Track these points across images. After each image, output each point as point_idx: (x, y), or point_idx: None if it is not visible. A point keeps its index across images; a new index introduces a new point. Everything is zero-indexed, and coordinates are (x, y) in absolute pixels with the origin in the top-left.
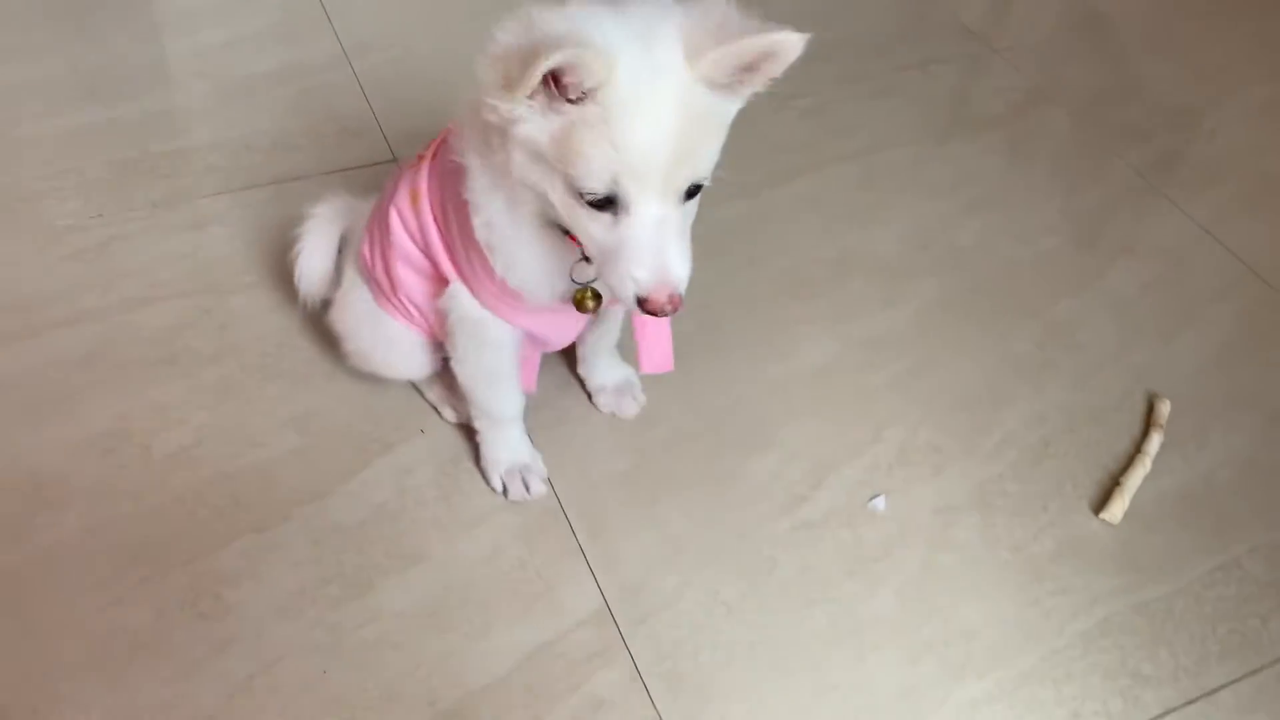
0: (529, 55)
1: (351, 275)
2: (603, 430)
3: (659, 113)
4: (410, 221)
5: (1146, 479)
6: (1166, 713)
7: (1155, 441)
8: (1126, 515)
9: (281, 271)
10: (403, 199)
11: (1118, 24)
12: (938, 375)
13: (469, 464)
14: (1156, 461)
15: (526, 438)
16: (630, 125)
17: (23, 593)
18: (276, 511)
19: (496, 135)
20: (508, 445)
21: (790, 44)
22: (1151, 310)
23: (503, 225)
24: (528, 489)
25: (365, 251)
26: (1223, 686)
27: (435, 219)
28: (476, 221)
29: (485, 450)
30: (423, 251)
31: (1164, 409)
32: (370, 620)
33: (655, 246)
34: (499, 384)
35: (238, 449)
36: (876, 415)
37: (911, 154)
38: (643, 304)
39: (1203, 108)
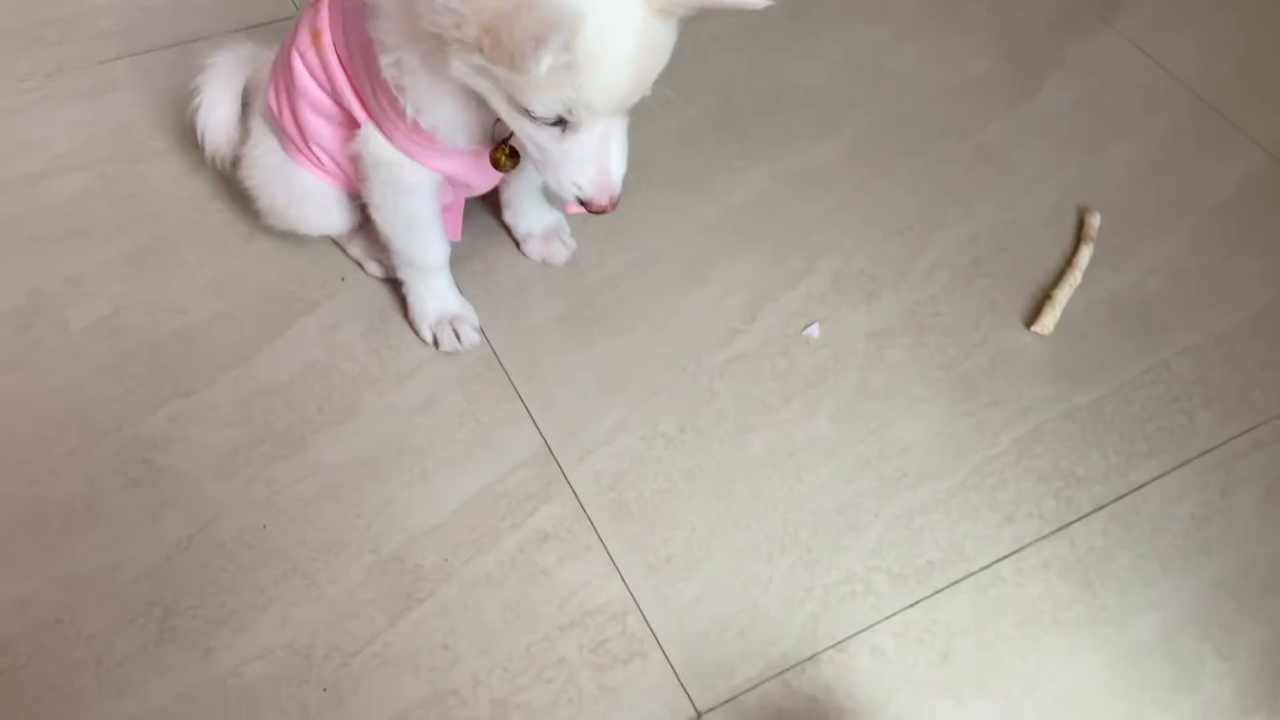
0: (523, 40)
1: (260, 127)
2: (534, 277)
3: (621, 56)
4: (314, 64)
5: (1077, 290)
6: (1097, 509)
7: (1085, 254)
8: (1058, 327)
9: (191, 137)
10: (304, 40)
11: None
12: (871, 204)
13: (398, 318)
14: (1087, 273)
15: (454, 286)
16: (593, 71)
17: None
18: (203, 376)
19: (434, 39)
20: (435, 295)
21: (756, 6)
22: (1082, 126)
23: (414, 67)
24: (459, 338)
25: (271, 101)
26: (1150, 481)
27: (340, 58)
28: (384, 60)
29: (413, 302)
30: (330, 95)
31: (1094, 222)
32: (307, 475)
33: (599, 156)
34: (420, 231)
35: (158, 317)
36: (810, 247)
37: None
38: (584, 204)
39: None
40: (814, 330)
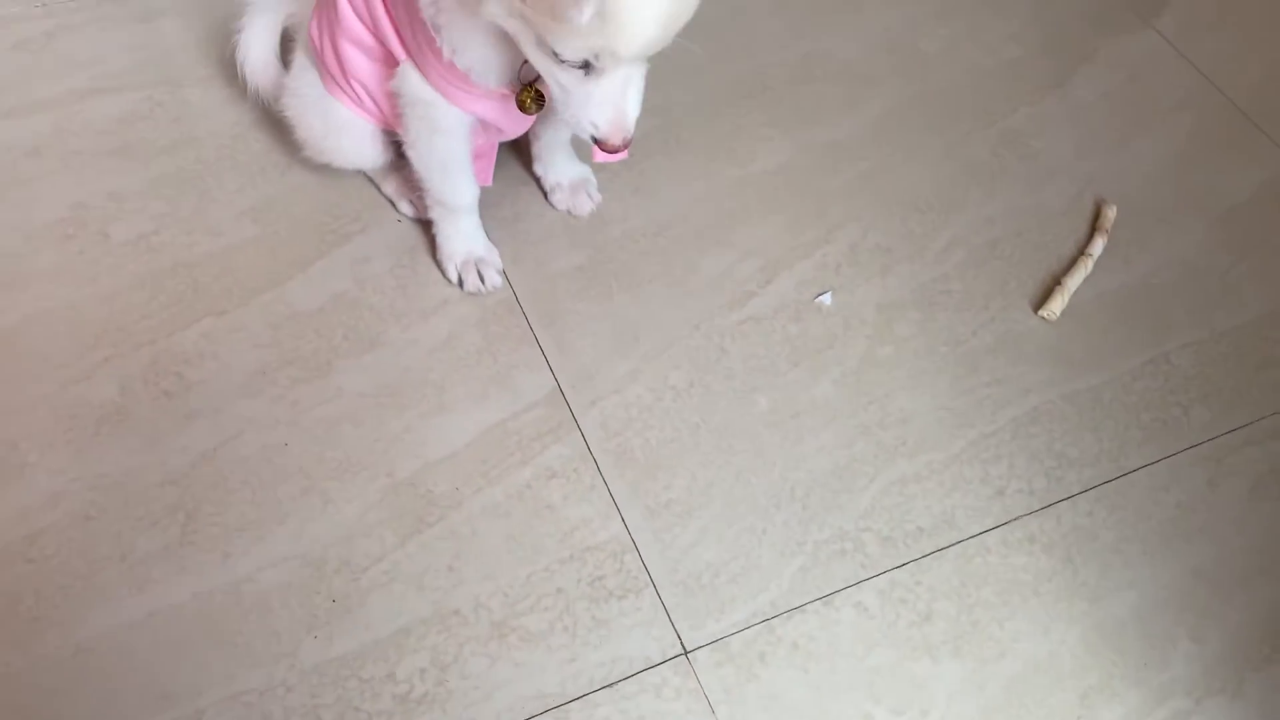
0: None
1: (301, 60)
2: (559, 227)
3: (651, 8)
4: (359, 4)
5: (1087, 279)
6: (1086, 490)
7: (1099, 244)
8: (1065, 313)
9: (235, 67)
10: None
11: None
12: (892, 180)
13: (426, 256)
14: (1099, 263)
15: (482, 230)
16: (623, 20)
17: None
18: (236, 297)
19: None
20: (464, 236)
21: None
22: (1108, 118)
23: (451, 7)
24: (483, 281)
25: (314, 34)
26: (1140, 467)
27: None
28: (424, 0)
29: (441, 242)
30: (371, 32)
31: (1110, 213)
32: (330, 399)
33: (618, 98)
34: (453, 171)
35: (196, 238)
36: (830, 217)
37: None
38: (598, 143)
39: None
40: (826, 298)
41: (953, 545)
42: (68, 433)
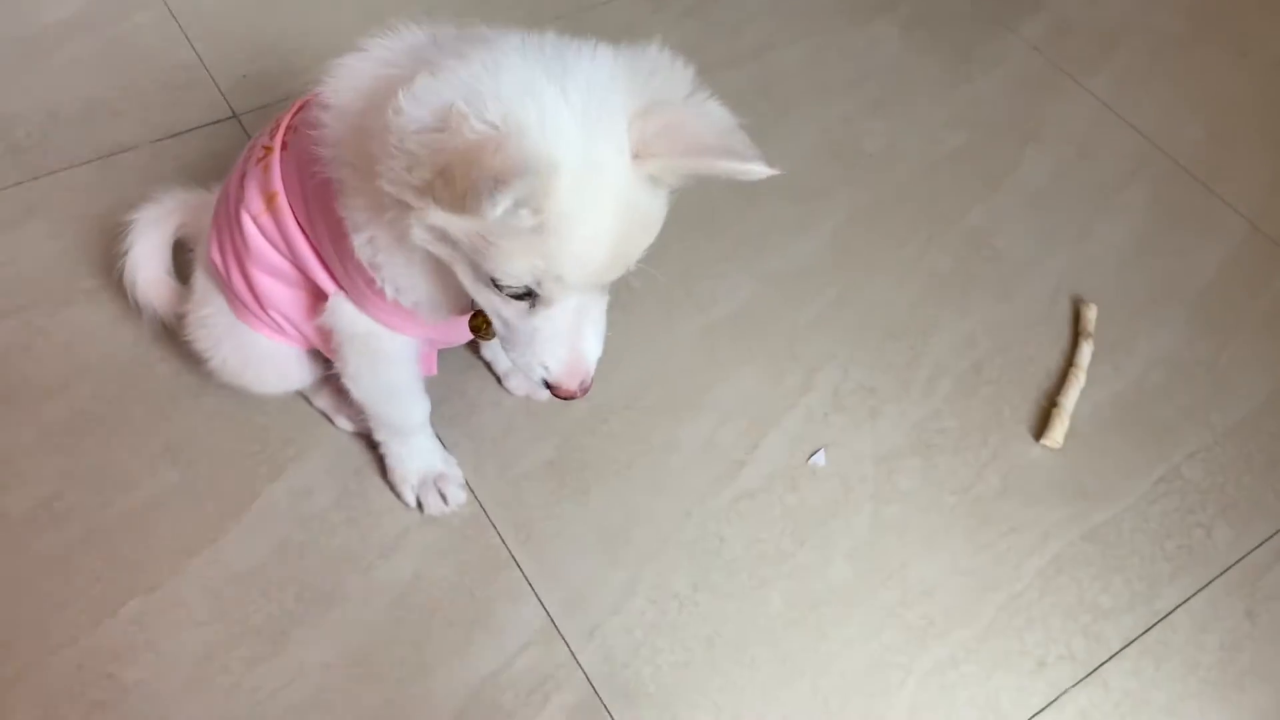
0: (478, 179)
1: (203, 284)
2: (519, 416)
3: (598, 224)
4: (270, 229)
5: (1082, 394)
6: (1127, 645)
7: (1086, 352)
8: (1066, 435)
9: None
10: (255, 203)
11: None
12: (862, 303)
13: (375, 478)
14: (1089, 372)
15: (436, 441)
16: (565, 238)
17: None
18: (165, 565)
19: (393, 203)
20: (417, 453)
21: (755, 174)
22: (1064, 203)
23: (388, 245)
24: (445, 500)
25: (216, 258)
26: (1177, 607)
27: (301, 228)
28: (357, 240)
29: (392, 464)
30: (290, 261)
31: (1091, 315)
32: (292, 679)
33: (571, 335)
34: (401, 396)
35: (107, 495)
36: (805, 357)
37: (803, 51)
38: (551, 388)
39: None
40: (820, 458)
41: None
42: None
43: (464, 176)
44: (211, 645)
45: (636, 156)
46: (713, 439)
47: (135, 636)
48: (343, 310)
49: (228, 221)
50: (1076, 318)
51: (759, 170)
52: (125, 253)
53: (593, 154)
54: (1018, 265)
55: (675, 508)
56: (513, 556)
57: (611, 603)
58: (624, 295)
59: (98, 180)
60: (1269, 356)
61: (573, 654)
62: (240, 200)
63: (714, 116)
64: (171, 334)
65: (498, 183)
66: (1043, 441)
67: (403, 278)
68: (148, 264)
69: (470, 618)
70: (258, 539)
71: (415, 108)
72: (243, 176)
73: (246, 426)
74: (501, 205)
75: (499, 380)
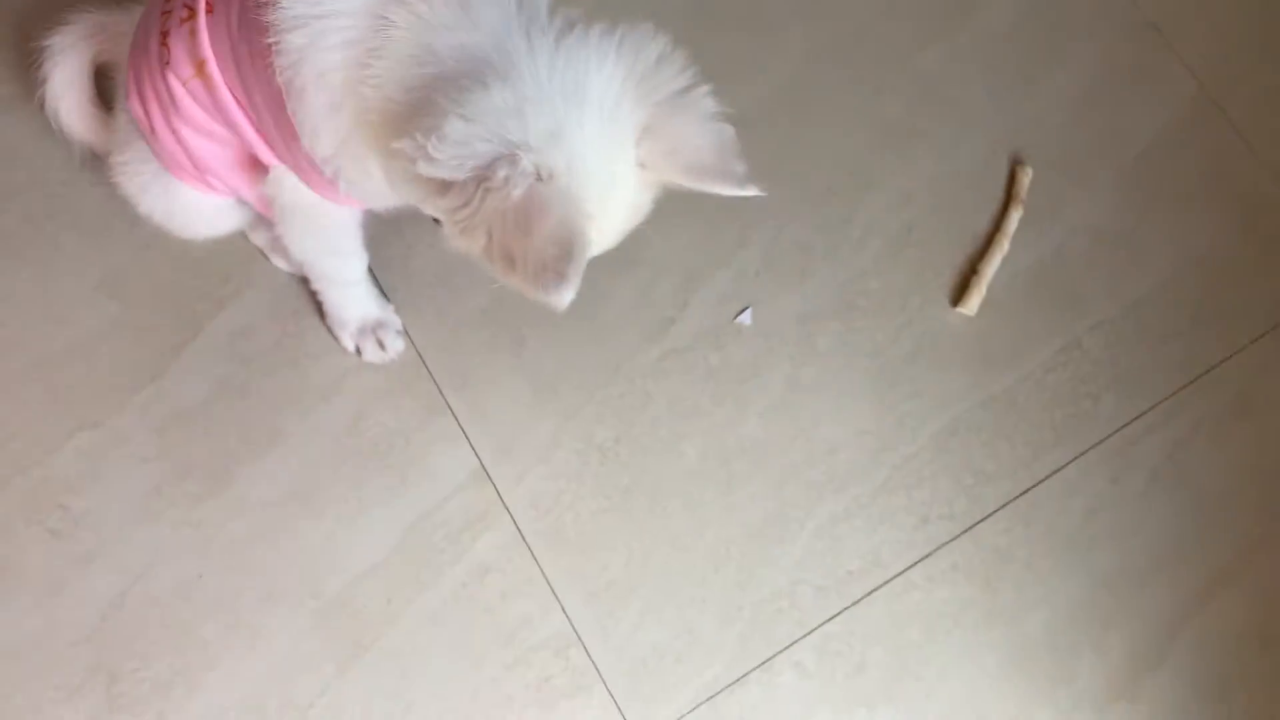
0: (544, 265)
1: (126, 128)
2: (457, 260)
3: (608, 225)
4: (200, 94)
5: (1004, 260)
6: (1001, 506)
7: (1014, 219)
8: (982, 304)
9: None
10: (183, 67)
11: None
12: (807, 154)
13: (314, 319)
14: (1015, 238)
15: (373, 289)
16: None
17: None
18: (109, 400)
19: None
20: (355, 301)
21: (749, 194)
22: (1020, 51)
23: (358, 151)
24: (384, 348)
25: (137, 111)
26: (1052, 474)
27: (236, 99)
28: (308, 143)
29: (330, 310)
30: (225, 125)
31: (1025, 180)
32: (236, 514)
33: None
34: (344, 253)
35: (48, 329)
36: (744, 211)
37: None
38: None
39: None
40: (746, 317)
41: (881, 586)
42: None
43: (524, 257)
44: (158, 479)
45: (642, 166)
46: (647, 294)
47: (83, 468)
48: (284, 183)
49: (150, 77)
50: (1011, 181)
51: (750, 193)
52: (43, 82)
53: (610, 174)
54: (964, 118)
55: (605, 361)
56: (447, 402)
57: (538, 451)
58: None
59: None
60: (1183, 229)
61: (501, 498)
62: (166, 62)
63: (712, 132)
64: (101, 161)
65: (559, 275)
66: (958, 309)
67: (360, 183)
68: (68, 93)
69: (406, 460)
70: (197, 377)
71: (448, 157)
72: (165, 35)
73: (183, 260)
74: (568, 297)
75: (436, 221)
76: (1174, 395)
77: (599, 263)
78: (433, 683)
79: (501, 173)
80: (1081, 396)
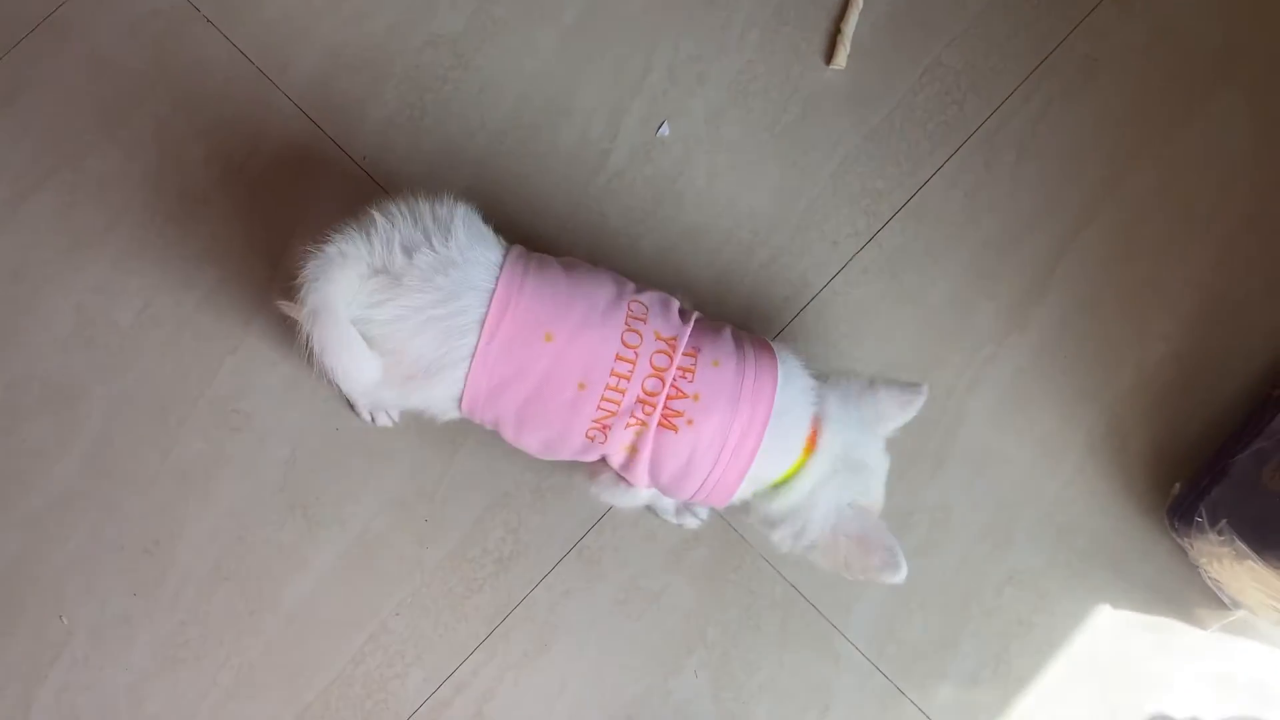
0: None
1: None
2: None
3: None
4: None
5: (862, 12)
6: (895, 213)
7: None
8: (850, 55)
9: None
10: (617, 454)
11: None
12: None
13: None
14: None
15: None
16: None
17: None
18: (237, 328)
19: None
20: None
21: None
22: None
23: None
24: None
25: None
26: (933, 175)
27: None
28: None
29: None
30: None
31: None
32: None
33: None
34: None
35: (179, 295)
36: (642, 41)
37: None
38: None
39: None
40: (665, 129)
41: (810, 302)
42: (181, 488)
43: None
44: (292, 376)
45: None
46: (583, 136)
47: (241, 381)
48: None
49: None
50: None
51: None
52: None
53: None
54: None
55: (565, 200)
56: None
57: None
58: (485, 20)
59: None
60: None
61: None
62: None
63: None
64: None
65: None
66: (830, 66)
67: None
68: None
69: None
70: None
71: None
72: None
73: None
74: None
75: None
76: (1027, 79)
77: (538, 119)
78: None
79: (826, 543)
80: (948, 105)
